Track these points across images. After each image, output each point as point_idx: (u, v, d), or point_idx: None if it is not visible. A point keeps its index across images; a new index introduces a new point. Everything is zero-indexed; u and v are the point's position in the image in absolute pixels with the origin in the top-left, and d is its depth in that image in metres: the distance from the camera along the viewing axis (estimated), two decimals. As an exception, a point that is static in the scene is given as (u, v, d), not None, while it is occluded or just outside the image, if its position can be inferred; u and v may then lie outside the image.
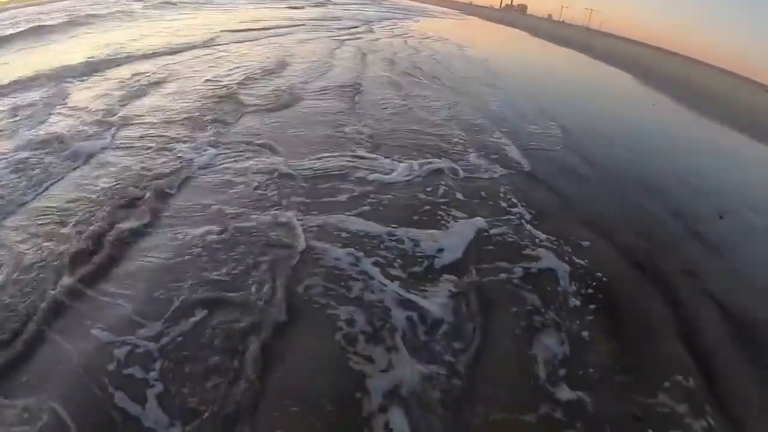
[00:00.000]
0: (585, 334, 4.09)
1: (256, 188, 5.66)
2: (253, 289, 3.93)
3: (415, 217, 5.49)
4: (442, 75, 14.45)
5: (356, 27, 24.13)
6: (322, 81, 11.58)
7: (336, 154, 7.00)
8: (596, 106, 14.86)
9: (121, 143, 6.53)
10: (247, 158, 6.50)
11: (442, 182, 6.51)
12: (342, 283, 4.16)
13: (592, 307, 4.45)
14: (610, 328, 4.22)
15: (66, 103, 7.80)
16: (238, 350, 3.31)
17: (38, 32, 12.98)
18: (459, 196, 6.20)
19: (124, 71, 10.16)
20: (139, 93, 8.79)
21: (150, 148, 6.45)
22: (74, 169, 5.70)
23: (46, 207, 4.78)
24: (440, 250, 4.89)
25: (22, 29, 12.93)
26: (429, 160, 7.21)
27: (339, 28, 22.63)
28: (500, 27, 42.52)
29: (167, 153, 6.35)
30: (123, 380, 3.02)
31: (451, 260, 4.77)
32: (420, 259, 4.70)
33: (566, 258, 5.16)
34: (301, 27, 21.32)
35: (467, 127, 9.42)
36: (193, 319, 3.54)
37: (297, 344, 3.46)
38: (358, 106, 9.80)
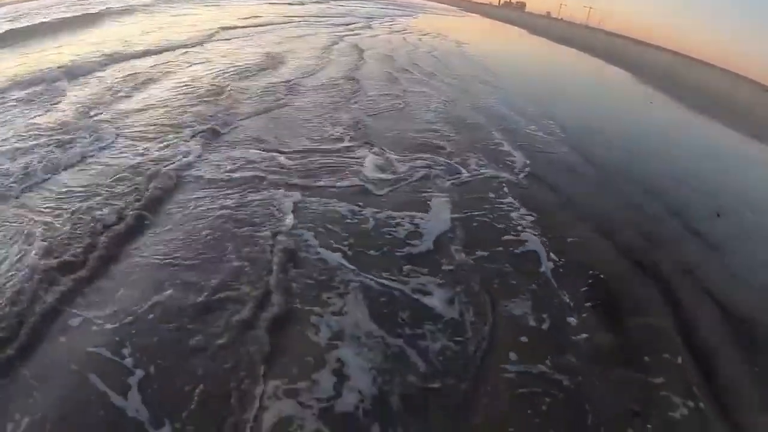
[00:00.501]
0: (584, 330, 4.10)
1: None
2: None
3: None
4: (440, 72, 14.38)
5: (355, 23, 24.00)
6: (320, 76, 11.55)
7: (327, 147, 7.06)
8: (595, 105, 14.84)
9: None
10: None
11: (437, 180, 6.50)
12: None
13: (590, 304, 4.46)
14: (609, 325, 4.23)
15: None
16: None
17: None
18: (454, 194, 6.19)
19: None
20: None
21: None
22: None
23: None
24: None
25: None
26: (424, 156, 7.21)
27: (337, 24, 22.51)
28: (499, 24, 42.40)
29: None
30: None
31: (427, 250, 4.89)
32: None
33: (565, 256, 5.16)
34: (301, 23, 21.23)
35: (465, 125, 9.38)
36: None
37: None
38: (353, 101, 9.78)
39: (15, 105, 7.26)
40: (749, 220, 7.42)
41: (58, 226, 4.43)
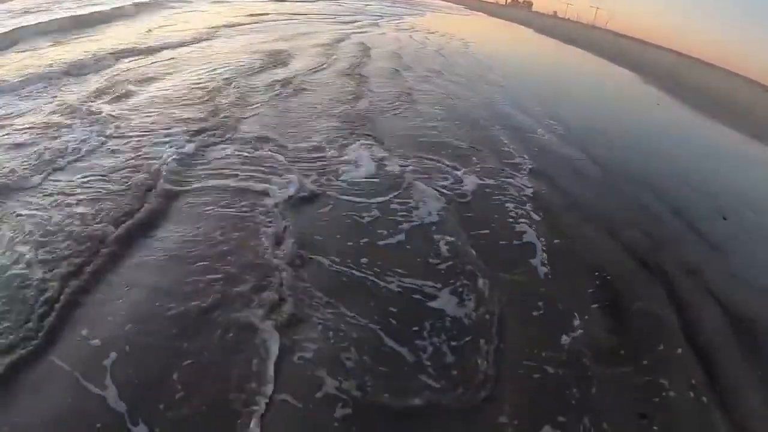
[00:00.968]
0: (589, 331, 4.14)
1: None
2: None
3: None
4: (446, 70, 14.40)
5: (361, 21, 24.01)
6: (326, 72, 11.63)
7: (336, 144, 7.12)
8: (601, 105, 14.83)
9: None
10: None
11: (440, 178, 6.54)
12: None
13: (596, 305, 4.51)
14: (614, 326, 4.28)
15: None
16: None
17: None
18: (457, 193, 6.23)
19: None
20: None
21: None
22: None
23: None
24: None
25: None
26: (428, 154, 7.26)
27: (345, 22, 22.54)
28: (506, 23, 42.29)
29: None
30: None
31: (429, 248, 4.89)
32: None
33: (570, 256, 5.22)
34: (308, 20, 21.28)
35: (470, 123, 9.41)
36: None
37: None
38: (359, 97, 9.86)
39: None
40: (753, 221, 7.46)
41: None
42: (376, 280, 4.30)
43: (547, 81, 17.14)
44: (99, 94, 8.02)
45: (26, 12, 13.76)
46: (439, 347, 3.70)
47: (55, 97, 7.63)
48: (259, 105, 8.52)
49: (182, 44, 12.71)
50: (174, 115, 7.39)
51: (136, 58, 10.70)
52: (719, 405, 3.68)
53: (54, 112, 6.94)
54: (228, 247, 4.42)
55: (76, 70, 9.11)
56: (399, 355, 3.57)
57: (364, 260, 4.53)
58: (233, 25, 16.82)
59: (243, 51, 12.72)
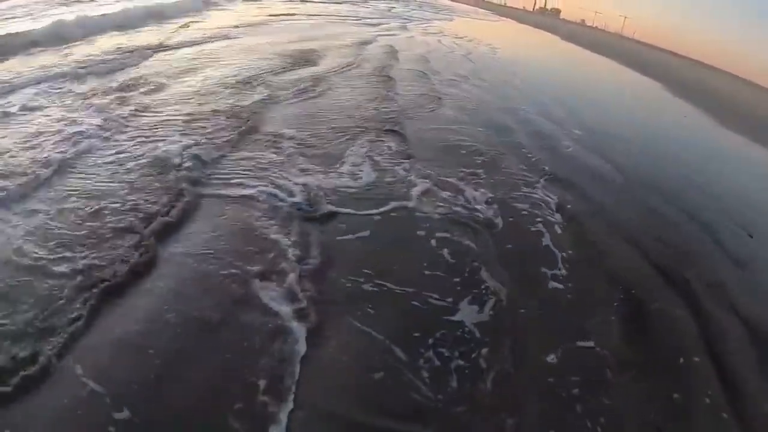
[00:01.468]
0: (609, 342, 4.16)
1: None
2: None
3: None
4: (474, 75, 14.42)
5: (388, 23, 24.17)
6: (353, 73, 11.84)
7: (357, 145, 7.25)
8: (628, 116, 14.64)
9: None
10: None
11: (463, 184, 6.56)
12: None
13: (614, 318, 4.51)
14: (633, 337, 4.30)
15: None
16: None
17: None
18: (480, 198, 6.27)
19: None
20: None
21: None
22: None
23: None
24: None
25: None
26: (454, 160, 7.32)
27: (372, 24, 22.74)
28: (534, 30, 41.95)
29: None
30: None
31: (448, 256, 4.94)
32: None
33: (592, 263, 5.26)
34: (336, 22, 21.54)
35: (495, 128, 9.43)
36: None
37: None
38: (386, 99, 9.99)
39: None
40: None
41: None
42: (392, 286, 4.30)
43: (572, 88, 17.01)
44: (125, 88, 8.25)
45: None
46: (453, 355, 3.68)
47: (71, 91, 7.73)
48: (286, 103, 8.71)
49: (209, 40, 13.31)
50: (202, 109, 7.66)
51: (167, 52, 11.13)
52: (738, 419, 3.66)
53: (69, 108, 7.04)
54: (243, 255, 4.36)
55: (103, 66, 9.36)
56: (416, 366, 3.54)
57: (384, 268, 4.51)
58: (260, 24, 17.24)
59: (272, 49, 12.99)
